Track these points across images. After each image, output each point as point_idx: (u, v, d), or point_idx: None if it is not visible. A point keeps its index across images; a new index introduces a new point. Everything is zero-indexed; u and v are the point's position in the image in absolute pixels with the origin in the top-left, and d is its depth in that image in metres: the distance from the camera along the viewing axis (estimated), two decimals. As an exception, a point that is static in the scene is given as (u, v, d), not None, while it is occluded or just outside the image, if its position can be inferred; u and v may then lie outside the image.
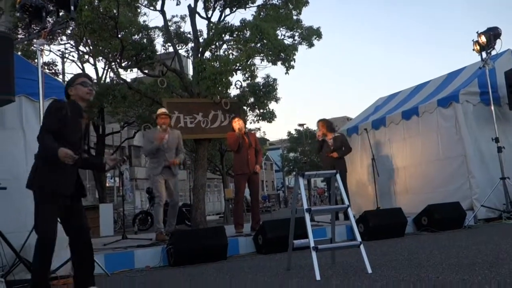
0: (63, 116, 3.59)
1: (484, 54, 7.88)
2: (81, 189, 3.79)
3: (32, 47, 11.37)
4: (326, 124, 8.62)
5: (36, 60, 5.09)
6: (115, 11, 10.23)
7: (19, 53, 9.11)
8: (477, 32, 7.91)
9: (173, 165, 7.05)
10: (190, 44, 12.18)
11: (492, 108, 7.89)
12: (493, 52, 7.90)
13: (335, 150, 8.37)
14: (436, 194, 8.16)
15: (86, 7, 9.62)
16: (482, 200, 7.56)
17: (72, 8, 4.72)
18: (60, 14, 5.24)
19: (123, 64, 11.79)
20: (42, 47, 4.77)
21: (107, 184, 22.54)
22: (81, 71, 17.14)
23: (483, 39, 7.80)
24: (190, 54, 11.97)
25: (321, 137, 8.53)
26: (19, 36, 12.57)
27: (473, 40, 7.98)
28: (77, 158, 3.49)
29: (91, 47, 14.07)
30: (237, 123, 7.58)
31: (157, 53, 12.19)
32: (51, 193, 3.53)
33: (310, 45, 10.97)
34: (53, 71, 16.69)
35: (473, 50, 7.99)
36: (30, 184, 3.59)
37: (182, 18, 13.37)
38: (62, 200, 3.59)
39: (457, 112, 8.10)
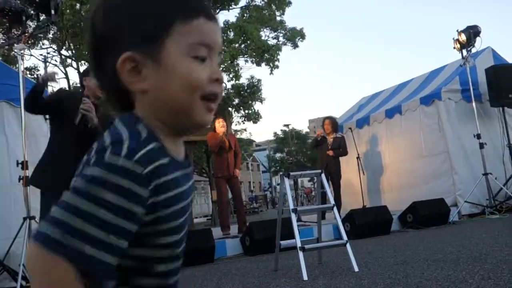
0: None
1: (464, 52, 7.98)
2: None
3: (13, 52, 11.26)
4: (333, 123, 8.65)
5: (17, 65, 5.02)
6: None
7: (0, 58, 8.98)
8: (457, 31, 8.01)
9: None
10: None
11: (474, 105, 7.96)
12: (473, 50, 8.01)
13: (332, 149, 8.41)
14: (420, 191, 8.23)
15: (68, 10, 9.56)
16: (465, 196, 7.64)
17: (52, 11, 4.66)
18: (41, 18, 5.19)
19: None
20: (23, 52, 4.71)
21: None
22: (64, 75, 16.96)
23: (463, 37, 7.89)
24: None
25: (320, 135, 8.54)
26: (-1, 41, 12.40)
27: (453, 38, 8.08)
28: None
29: (73, 51, 13.93)
30: (221, 124, 7.53)
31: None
32: None
33: (295, 45, 11.04)
34: (35, 76, 16.49)
35: (454, 48, 8.09)
36: None
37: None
38: None
39: (439, 109, 8.20)
